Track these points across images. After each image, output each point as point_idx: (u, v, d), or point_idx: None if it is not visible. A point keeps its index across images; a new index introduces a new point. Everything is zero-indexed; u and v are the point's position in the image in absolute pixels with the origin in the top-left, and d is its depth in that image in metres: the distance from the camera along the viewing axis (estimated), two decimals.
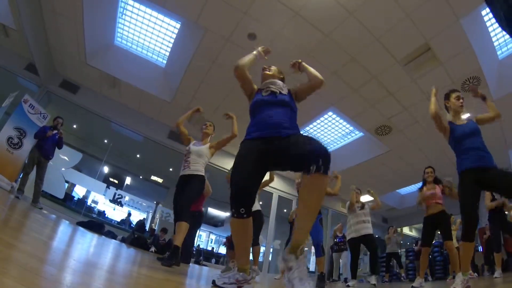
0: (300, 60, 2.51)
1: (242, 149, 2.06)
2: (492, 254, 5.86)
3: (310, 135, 1.95)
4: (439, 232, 4.74)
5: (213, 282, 1.99)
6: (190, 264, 6.16)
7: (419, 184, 5.07)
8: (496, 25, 5.59)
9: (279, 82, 2.44)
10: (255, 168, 1.95)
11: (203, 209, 6.71)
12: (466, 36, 5.17)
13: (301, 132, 2.08)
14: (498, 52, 5.96)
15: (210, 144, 4.23)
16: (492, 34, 5.69)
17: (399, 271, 9.68)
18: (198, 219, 6.23)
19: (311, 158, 1.68)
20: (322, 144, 1.76)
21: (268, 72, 2.61)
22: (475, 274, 6.53)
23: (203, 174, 4.01)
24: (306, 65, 2.44)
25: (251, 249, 2.07)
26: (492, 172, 2.95)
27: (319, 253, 5.38)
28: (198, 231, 9.24)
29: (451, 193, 4.68)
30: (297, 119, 2.26)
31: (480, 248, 8.22)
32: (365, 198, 8.44)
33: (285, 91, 2.33)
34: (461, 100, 3.51)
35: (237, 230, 1.96)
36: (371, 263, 5.74)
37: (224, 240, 8.95)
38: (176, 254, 3.34)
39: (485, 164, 3.00)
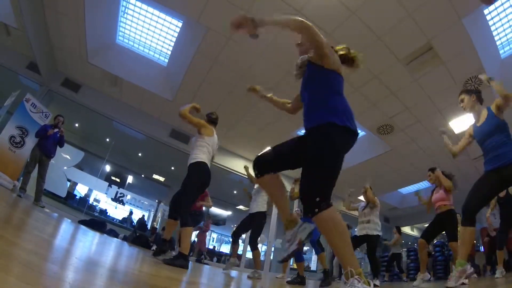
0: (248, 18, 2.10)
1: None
2: (494, 254, 5.84)
3: (320, 138, 1.82)
4: (443, 233, 4.72)
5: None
6: (192, 262, 6.16)
7: (421, 184, 5.03)
8: (499, 24, 5.58)
9: (305, 56, 2.23)
10: (291, 151, 2.00)
11: (204, 208, 6.70)
12: (468, 35, 5.15)
13: (321, 124, 1.84)
14: (501, 51, 5.93)
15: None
16: (494, 33, 5.67)
17: (401, 275, 9.64)
18: (197, 218, 6.24)
19: (303, 199, 1.75)
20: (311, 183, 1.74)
21: (299, 47, 2.37)
22: (475, 273, 6.51)
23: (200, 159, 3.80)
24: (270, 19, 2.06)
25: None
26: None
27: (317, 250, 5.35)
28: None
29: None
30: (332, 87, 2.00)
31: (482, 248, 8.21)
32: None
33: (305, 63, 2.19)
34: (460, 102, 3.45)
35: (264, 186, 2.08)
36: (370, 266, 5.72)
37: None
38: (184, 258, 3.32)
39: (504, 162, 2.92)
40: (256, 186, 5.54)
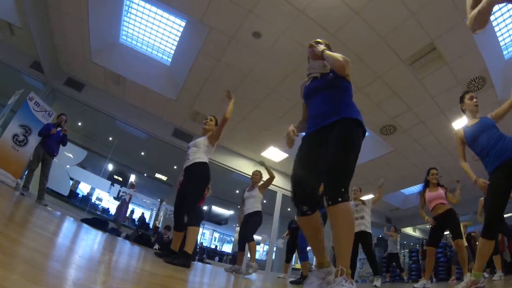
0: (323, 48, 2.24)
1: (300, 145, 2.13)
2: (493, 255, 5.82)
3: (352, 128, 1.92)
4: (446, 233, 4.68)
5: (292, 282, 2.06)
6: (194, 262, 6.17)
7: (422, 186, 4.96)
8: (503, 24, 5.55)
9: (318, 62, 2.28)
10: (313, 165, 2.00)
11: (205, 207, 6.71)
12: (472, 36, 5.12)
13: (350, 117, 1.96)
14: (504, 52, 5.91)
15: (209, 134, 4.04)
16: (498, 34, 5.65)
17: (401, 274, 9.63)
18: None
19: (325, 187, 1.79)
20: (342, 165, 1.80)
21: (313, 51, 2.36)
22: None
23: (205, 160, 3.82)
24: (329, 53, 2.17)
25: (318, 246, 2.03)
26: None
27: (303, 257, 5.33)
28: (202, 228, 9.22)
29: (452, 195, 4.65)
30: (351, 95, 2.17)
31: None
32: (366, 196, 8.42)
33: (326, 69, 2.21)
34: (475, 100, 3.43)
35: (304, 229, 2.06)
36: (370, 264, 5.72)
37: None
38: (187, 257, 3.34)
39: (507, 156, 2.85)
40: (249, 191, 5.53)
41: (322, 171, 1.89)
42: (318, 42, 2.38)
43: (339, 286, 1.50)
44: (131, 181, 10.29)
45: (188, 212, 3.63)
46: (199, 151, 3.84)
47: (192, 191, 3.64)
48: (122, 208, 9.76)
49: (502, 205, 2.79)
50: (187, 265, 3.24)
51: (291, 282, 5.01)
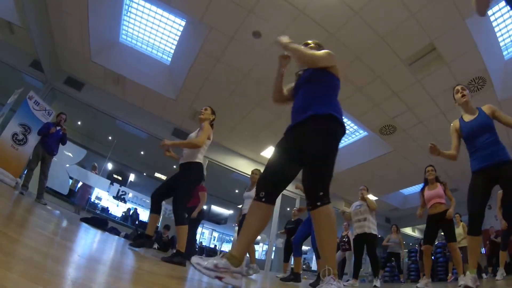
0: (286, 42, 2.22)
1: (281, 138, 2.11)
2: (495, 255, 5.82)
3: (321, 127, 1.88)
4: (442, 233, 4.69)
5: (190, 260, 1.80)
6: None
7: (422, 185, 4.98)
8: (503, 25, 5.55)
9: None
10: (285, 159, 1.99)
11: (205, 206, 6.70)
12: (472, 36, 5.13)
13: (323, 113, 1.92)
14: (504, 53, 5.91)
15: (200, 128, 4.00)
16: (498, 34, 5.65)
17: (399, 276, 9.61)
18: (198, 216, 6.21)
19: (305, 192, 1.80)
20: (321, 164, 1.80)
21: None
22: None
23: (198, 160, 3.72)
24: (293, 47, 2.16)
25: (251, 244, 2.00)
26: (506, 168, 2.90)
27: (297, 253, 5.26)
28: (201, 228, 9.20)
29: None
30: (333, 91, 2.10)
31: (483, 250, 8.19)
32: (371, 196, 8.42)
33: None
34: (460, 93, 3.37)
35: (250, 212, 1.96)
36: (371, 265, 5.70)
37: None
38: (182, 256, 3.34)
39: (496, 160, 2.94)
40: (248, 191, 5.49)
41: (292, 173, 1.98)
42: (307, 44, 2.43)
43: (328, 285, 1.53)
44: (93, 163, 10.14)
45: (174, 210, 3.53)
46: (191, 149, 3.78)
47: (180, 190, 3.57)
48: (84, 191, 9.64)
49: (483, 203, 2.99)
50: (183, 263, 3.26)
51: (282, 280, 4.98)
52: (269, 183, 1.95)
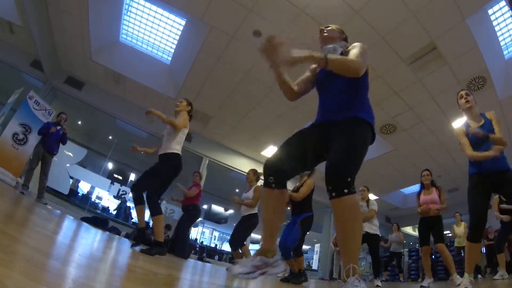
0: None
1: (304, 128, 1.98)
2: (495, 256, 5.82)
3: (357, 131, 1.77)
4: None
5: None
6: (193, 260, 6.16)
7: (419, 188, 4.99)
8: (503, 24, 5.55)
9: (329, 46, 2.07)
10: (302, 146, 1.85)
11: (205, 206, 6.68)
12: (472, 35, 5.13)
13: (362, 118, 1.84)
14: (505, 52, 5.91)
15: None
16: (498, 33, 5.64)
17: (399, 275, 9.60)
18: (193, 213, 6.16)
19: (327, 178, 1.53)
20: (343, 159, 1.58)
21: (323, 36, 2.17)
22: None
23: (175, 151, 3.75)
24: (334, 59, 1.74)
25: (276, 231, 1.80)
26: (506, 176, 2.86)
27: (286, 256, 4.96)
28: (198, 226, 9.16)
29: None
30: (363, 88, 2.04)
31: (483, 250, 8.17)
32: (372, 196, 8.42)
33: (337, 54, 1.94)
34: (464, 98, 3.26)
35: (263, 201, 1.85)
36: (372, 265, 5.68)
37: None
38: (160, 246, 3.36)
39: (496, 168, 2.91)
40: (246, 192, 5.41)
41: (307, 162, 1.84)
42: (328, 27, 2.22)
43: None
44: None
45: (147, 199, 3.54)
46: (168, 139, 3.84)
47: (155, 181, 3.59)
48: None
49: (485, 205, 2.91)
50: (163, 253, 3.31)
51: (281, 280, 4.92)
52: (275, 165, 1.79)
